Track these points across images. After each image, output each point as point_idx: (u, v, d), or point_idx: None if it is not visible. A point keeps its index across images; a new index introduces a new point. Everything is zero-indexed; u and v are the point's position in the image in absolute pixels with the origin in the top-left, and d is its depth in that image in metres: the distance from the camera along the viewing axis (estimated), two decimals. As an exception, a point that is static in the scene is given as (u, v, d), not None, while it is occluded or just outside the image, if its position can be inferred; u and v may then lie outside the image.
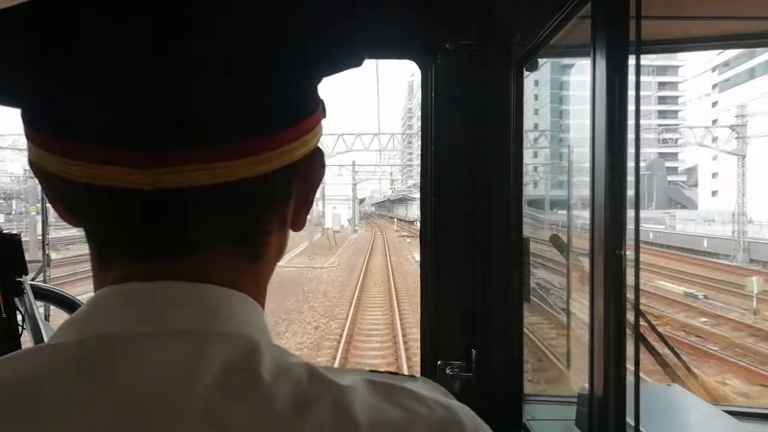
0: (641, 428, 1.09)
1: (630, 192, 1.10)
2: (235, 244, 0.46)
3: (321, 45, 0.45)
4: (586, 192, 1.19)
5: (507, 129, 1.74)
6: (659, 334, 2.24)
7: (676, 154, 67.91)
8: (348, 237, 38.65)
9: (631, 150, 1.09)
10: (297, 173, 0.48)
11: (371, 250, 29.31)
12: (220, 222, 0.45)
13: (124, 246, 0.45)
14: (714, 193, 54.50)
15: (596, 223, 1.14)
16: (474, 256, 1.76)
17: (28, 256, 1.40)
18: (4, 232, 1.37)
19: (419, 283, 1.88)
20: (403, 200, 66.17)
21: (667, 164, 65.29)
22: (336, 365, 8.86)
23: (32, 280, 1.58)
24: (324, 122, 0.51)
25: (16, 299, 1.36)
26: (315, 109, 0.48)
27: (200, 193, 0.42)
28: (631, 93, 1.08)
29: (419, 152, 1.89)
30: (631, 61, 1.09)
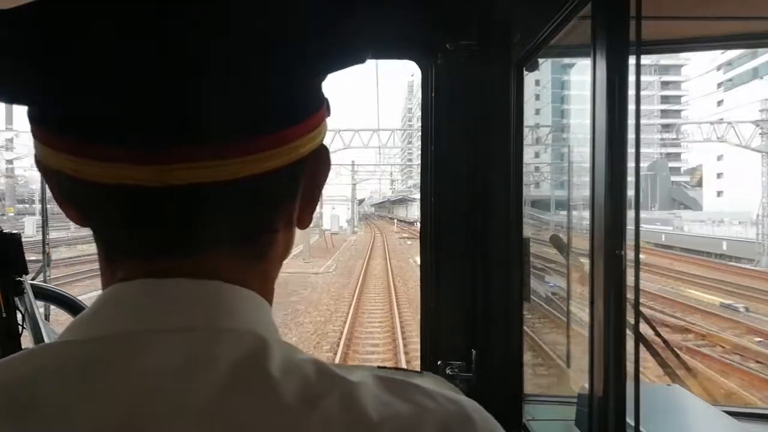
0: (641, 428, 1.09)
1: (630, 192, 1.10)
2: (241, 242, 0.46)
3: (323, 42, 0.45)
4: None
5: (507, 129, 1.74)
6: (659, 335, 2.24)
7: (679, 154, 67.75)
8: (347, 239, 38.01)
9: (631, 150, 1.09)
10: (303, 171, 0.48)
11: (370, 253, 27.67)
12: (227, 220, 0.45)
13: (131, 244, 0.45)
14: (719, 194, 54.05)
15: (596, 223, 1.14)
16: (474, 256, 1.76)
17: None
18: (5, 231, 1.37)
19: (419, 284, 1.88)
20: (403, 201, 66.04)
21: (670, 164, 65.04)
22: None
23: (32, 279, 1.58)
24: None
25: (16, 299, 1.36)
26: (320, 106, 0.49)
27: (206, 190, 0.42)
28: (631, 93, 1.08)
29: (419, 152, 1.89)
30: (631, 61, 1.09)
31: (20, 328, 1.36)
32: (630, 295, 1.12)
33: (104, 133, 0.41)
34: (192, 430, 0.38)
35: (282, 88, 0.44)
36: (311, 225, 0.54)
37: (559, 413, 1.83)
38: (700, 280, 17.37)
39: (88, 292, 10.49)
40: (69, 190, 0.45)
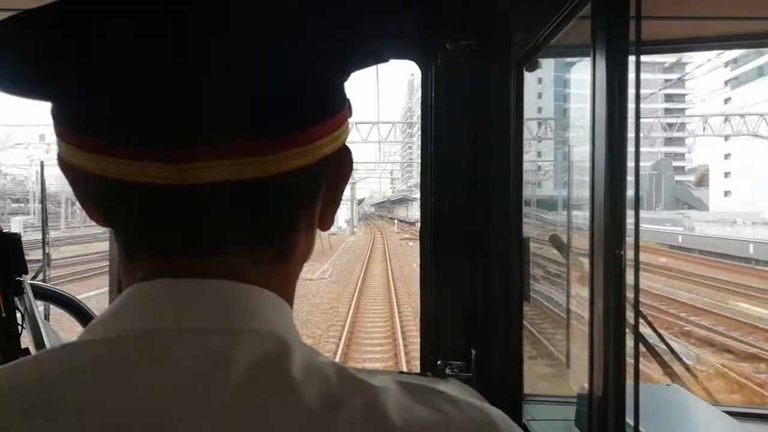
0: (641, 428, 1.09)
1: (630, 192, 1.10)
2: (262, 242, 0.46)
3: (347, 42, 0.45)
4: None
5: (507, 129, 1.74)
6: (659, 334, 2.24)
7: (683, 153, 67.48)
8: (345, 239, 37.38)
9: (630, 149, 1.09)
10: (326, 171, 0.48)
11: (370, 255, 26.00)
12: (248, 220, 0.45)
13: (153, 243, 0.45)
14: (726, 193, 53.47)
15: (596, 223, 1.14)
16: (474, 256, 1.76)
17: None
18: (4, 231, 1.37)
19: (419, 284, 1.88)
20: (403, 200, 65.90)
21: (675, 164, 64.65)
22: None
23: (32, 279, 1.58)
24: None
25: (15, 298, 1.36)
26: (342, 106, 0.48)
27: (228, 189, 0.42)
28: (631, 93, 1.08)
29: (419, 152, 1.89)
30: (631, 61, 1.09)
31: (20, 327, 1.36)
32: (630, 294, 1.12)
33: (128, 131, 0.41)
34: (212, 429, 0.38)
35: (306, 87, 0.44)
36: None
37: (558, 413, 1.83)
38: (742, 289, 15.31)
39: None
40: (91, 189, 0.45)
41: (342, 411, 0.39)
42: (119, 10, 0.39)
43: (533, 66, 1.72)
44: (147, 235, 0.45)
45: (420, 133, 1.88)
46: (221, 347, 0.41)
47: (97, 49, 0.40)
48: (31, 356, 0.44)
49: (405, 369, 8.53)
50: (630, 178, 1.09)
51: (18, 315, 1.36)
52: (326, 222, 0.51)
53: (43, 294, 1.69)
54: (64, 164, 0.46)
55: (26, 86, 0.45)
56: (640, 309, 1.21)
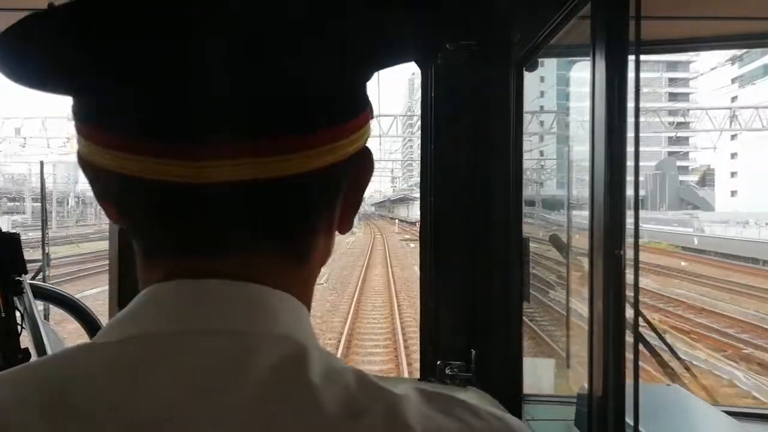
0: (640, 428, 1.09)
1: (630, 191, 1.10)
2: (281, 244, 0.45)
3: (373, 41, 0.45)
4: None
5: (507, 129, 1.74)
6: (659, 334, 2.24)
7: (687, 153, 67.20)
8: (344, 240, 37.12)
9: (630, 149, 1.09)
10: (346, 172, 0.47)
11: (369, 258, 23.80)
12: (268, 221, 0.44)
13: (171, 243, 0.44)
14: (733, 194, 52.94)
15: (595, 223, 1.14)
16: (474, 256, 1.76)
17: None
18: (4, 231, 1.37)
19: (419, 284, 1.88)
20: (404, 200, 65.64)
21: (678, 163, 64.27)
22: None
23: (32, 279, 1.58)
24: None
25: (15, 298, 1.36)
26: (365, 106, 0.48)
27: (248, 189, 0.41)
28: (630, 92, 1.08)
29: (419, 150, 1.89)
30: (631, 60, 1.09)
31: (19, 327, 1.36)
32: (629, 294, 1.12)
33: (149, 128, 0.41)
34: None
35: (330, 86, 0.44)
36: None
37: (558, 413, 1.83)
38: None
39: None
40: (110, 187, 0.45)
41: (363, 419, 0.39)
42: (143, 6, 0.39)
43: (533, 66, 1.72)
44: (165, 235, 0.44)
45: (420, 131, 1.87)
46: (239, 350, 0.40)
47: (120, 43, 0.40)
48: (49, 356, 0.44)
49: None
50: (630, 177, 1.09)
51: (17, 315, 1.36)
52: (346, 225, 0.51)
53: (43, 294, 1.69)
54: (83, 162, 0.45)
55: (48, 80, 0.45)
56: (646, 312, 1.21)
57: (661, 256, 23.37)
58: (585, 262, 1.23)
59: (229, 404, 0.38)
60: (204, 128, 0.40)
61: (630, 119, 1.08)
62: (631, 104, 1.08)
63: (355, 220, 0.56)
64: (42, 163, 5.01)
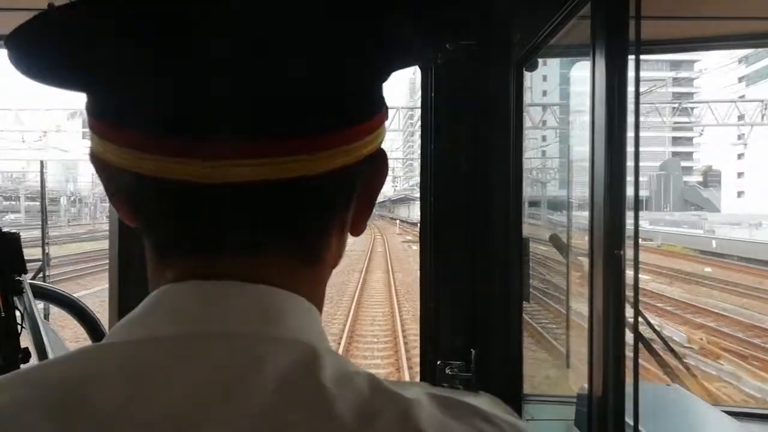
0: (640, 428, 1.09)
1: (630, 191, 1.10)
2: (294, 245, 0.45)
3: (390, 43, 0.45)
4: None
5: (507, 129, 1.74)
6: (658, 334, 2.24)
7: (691, 153, 66.91)
8: None
9: (630, 149, 1.09)
10: (361, 174, 0.47)
11: (369, 261, 21.90)
12: (281, 222, 0.44)
13: (184, 244, 0.44)
14: (740, 194, 52.36)
15: (595, 223, 1.14)
16: (474, 257, 1.76)
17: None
18: (4, 231, 1.37)
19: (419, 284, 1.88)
20: (405, 200, 65.28)
21: (682, 164, 63.86)
22: None
23: (32, 279, 1.58)
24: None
25: (15, 298, 1.36)
26: (381, 107, 0.48)
27: (263, 190, 0.41)
28: (630, 92, 1.08)
29: (420, 151, 1.89)
30: (631, 60, 1.09)
31: (19, 327, 1.36)
32: (629, 293, 1.12)
33: (166, 126, 0.40)
34: None
35: (347, 87, 0.44)
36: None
37: (558, 413, 1.83)
38: None
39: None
40: (124, 186, 0.44)
41: (375, 424, 0.38)
42: (161, 2, 0.39)
43: (533, 66, 1.72)
44: (178, 235, 0.44)
45: (420, 131, 1.87)
46: (252, 353, 0.40)
47: (137, 39, 0.39)
48: (60, 356, 0.43)
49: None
50: (630, 177, 1.09)
51: (17, 315, 1.36)
52: (358, 228, 0.50)
53: (43, 294, 1.69)
54: (96, 160, 0.45)
55: (64, 76, 0.44)
56: (644, 311, 1.21)
57: (680, 260, 22.04)
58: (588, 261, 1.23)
59: (241, 410, 0.37)
60: (221, 128, 0.40)
61: (630, 119, 1.08)
62: (631, 104, 1.08)
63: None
64: (42, 163, 5.01)
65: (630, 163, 1.09)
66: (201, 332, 0.41)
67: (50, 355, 1.41)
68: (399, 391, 0.41)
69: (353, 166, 0.45)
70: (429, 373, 1.76)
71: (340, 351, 8.93)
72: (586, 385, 1.21)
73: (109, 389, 0.38)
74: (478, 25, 1.72)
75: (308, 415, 0.38)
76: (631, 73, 1.07)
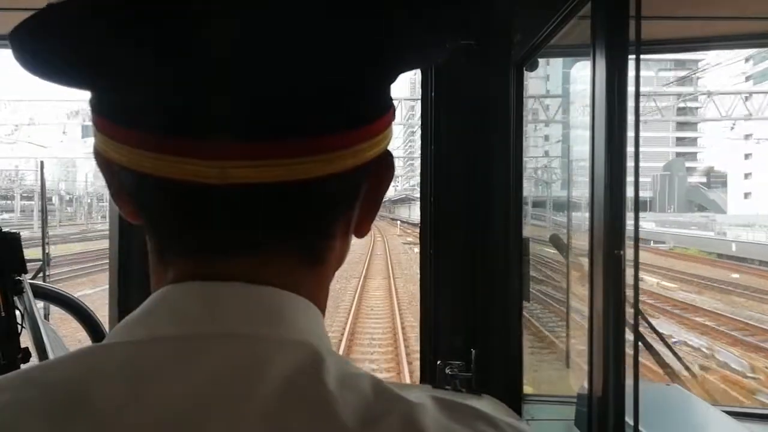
0: (640, 428, 1.09)
1: (630, 192, 1.10)
2: (298, 247, 0.45)
3: (397, 44, 0.44)
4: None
5: (507, 129, 1.74)
6: (658, 334, 2.24)
7: (695, 153, 66.58)
8: None
9: (630, 149, 1.09)
10: (366, 175, 0.46)
11: (369, 264, 20.63)
12: (285, 223, 0.43)
13: (187, 244, 0.44)
14: (746, 195, 51.99)
15: (595, 223, 1.14)
16: (474, 257, 1.76)
17: None
18: (4, 230, 1.37)
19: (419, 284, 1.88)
20: (405, 200, 65.01)
21: (687, 164, 63.44)
22: None
23: (31, 279, 1.58)
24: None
25: (15, 298, 1.36)
26: (388, 109, 0.47)
27: (267, 191, 0.41)
28: (631, 92, 1.08)
29: (420, 151, 1.89)
30: (631, 60, 1.09)
31: (19, 327, 1.36)
32: (629, 293, 1.12)
33: (172, 125, 0.40)
34: None
35: (355, 88, 0.43)
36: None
37: (558, 413, 1.83)
38: None
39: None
40: (127, 184, 0.44)
41: (379, 427, 0.38)
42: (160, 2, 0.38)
43: (533, 66, 1.72)
44: (180, 235, 0.44)
45: (420, 131, 1.87)
46: (253, 356, 0.40)
47: (142, 38, 0.39)
48: (61, 356, 0.43)
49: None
50: (630, 178, 1.09)
51: (18, 314, 1.36)
52: (363, 229, 0.50)
53: (43, 294, 1.69)
54: (99, 158, 0.44)
55: (68, 73, 0.44)
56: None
57: (698, 265, 20.87)
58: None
59: (243, 411, 0.37)
60: (226, 128, 0.40)
61: (630, 119, 1.08)
62: (631, 104, 1.08)
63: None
64: (42, 163, 5.00)
65: (630, 163, 1.09)
66: (202, 333, 0.41)
67: (50, 355, 1.41)
68: (402, 394, 0.41)
69: (358, 167, 0.44)
70: (429, 373, 1.76)
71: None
72: (586, 385, 1.21)
73: (109, 390, 0.38)
74: (478, 24, 1.72)
75: (311, 418, 0.37)
76: (631, 73, 1.07)
